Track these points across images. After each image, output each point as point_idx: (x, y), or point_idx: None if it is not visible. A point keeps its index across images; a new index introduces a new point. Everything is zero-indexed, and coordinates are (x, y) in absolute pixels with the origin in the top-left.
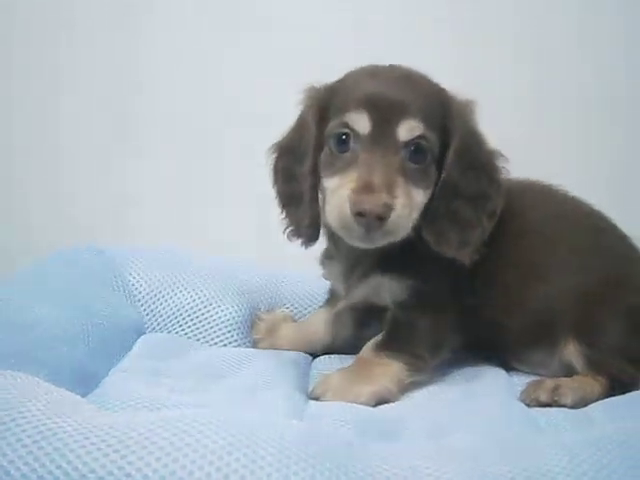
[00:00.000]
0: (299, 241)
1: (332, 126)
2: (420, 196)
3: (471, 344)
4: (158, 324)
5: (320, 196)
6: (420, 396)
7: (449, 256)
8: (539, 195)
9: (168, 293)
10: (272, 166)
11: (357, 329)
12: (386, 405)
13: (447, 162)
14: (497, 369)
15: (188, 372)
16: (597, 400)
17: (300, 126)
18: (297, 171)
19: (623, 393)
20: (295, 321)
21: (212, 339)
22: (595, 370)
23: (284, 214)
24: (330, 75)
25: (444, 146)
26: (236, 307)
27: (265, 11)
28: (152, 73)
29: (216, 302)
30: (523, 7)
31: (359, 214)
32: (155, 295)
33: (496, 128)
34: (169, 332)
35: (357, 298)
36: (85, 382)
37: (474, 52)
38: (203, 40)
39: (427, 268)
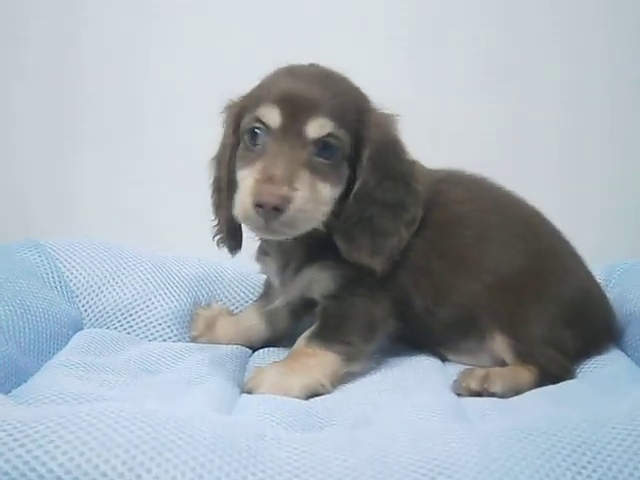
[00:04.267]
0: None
1: (245, 122)
2: (328, 191)
3: (407, 334)
4: (97, 319)
5: None
6: (352, 387)
7: (361, 263)
8: (472, 187)
9: (107, 288)
10: (209, 179)
11: (294, 321)
12: (317, 397)
13: (362, 167)
14: (433, 360)
15: (123, 367)
16: (529, 389)
17: (223, 136)
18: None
19: (555, 382)
20: (234, 315)
21: (151, 334)
22: (524, 361)
23: (214, 222)
24: None
25: (358, 150)
26: (175, 302)
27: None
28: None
29: (155, 297)
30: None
31: (258, 205)
32: (93, 290)
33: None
34: (107, 328)
35: (293, 293)
36: (14, 378)
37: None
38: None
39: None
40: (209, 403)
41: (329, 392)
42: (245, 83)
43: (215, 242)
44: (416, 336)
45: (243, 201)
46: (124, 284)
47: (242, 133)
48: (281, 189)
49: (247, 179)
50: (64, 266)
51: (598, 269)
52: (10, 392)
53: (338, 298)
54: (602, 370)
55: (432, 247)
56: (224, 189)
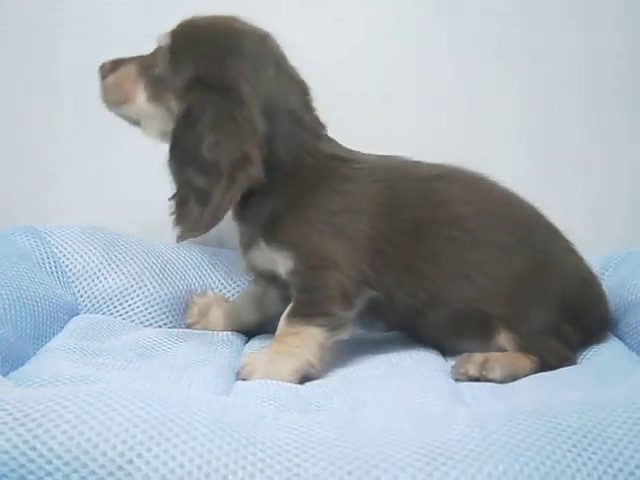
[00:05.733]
0: None
1: None
2: (143, 99)
3: (402, 326)
4: (92, 305)
5: None
6: (348, 372)
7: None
8: (469, 187)
9: (102, 274)
10: None
11: (286, 305)
12: (313, 382)
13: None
14: (432, 349)
15: (119, 352)
16: (527, 376)
17: None
18: None
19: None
20: (229, 302)
21: (147, 320)
22: (526, 351)
23: None
24: None
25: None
26: (170, 288)
27: None
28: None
29: (150, 283)
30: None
31: None
32: (89, 276)
33: None
34: (103, 313)
35: (254, 264)
36: (11, 361)
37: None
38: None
39: (306, 232)
40: (206, 388)
41: (320, 370)
42: None
43: None
44: (412, 330)
45: None
46: (120, 270)
47: None
48: (105, 64)
49: None
50: (60, 251)
51: (595, 259)
52: (7, 375)
53: (302, 273)
54: (600, 357)
55: (419, 246)
56: None
